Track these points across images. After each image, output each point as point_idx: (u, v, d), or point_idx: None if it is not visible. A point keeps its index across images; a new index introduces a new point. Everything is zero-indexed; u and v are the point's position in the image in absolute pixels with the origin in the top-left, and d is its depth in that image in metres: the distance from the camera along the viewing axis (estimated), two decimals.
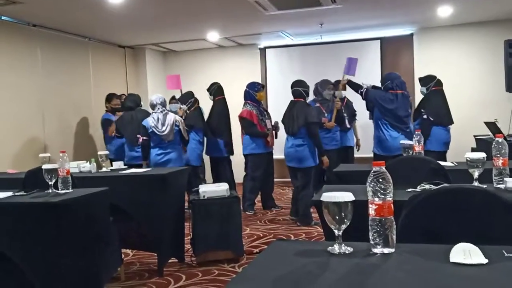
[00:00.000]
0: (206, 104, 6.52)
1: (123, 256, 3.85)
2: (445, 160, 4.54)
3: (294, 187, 5.62)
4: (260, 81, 8.07)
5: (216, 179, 6.24)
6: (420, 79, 5.85)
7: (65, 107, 6.80)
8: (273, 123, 6.14)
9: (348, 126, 6.30)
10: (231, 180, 6.16)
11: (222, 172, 6.27)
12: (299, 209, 5.39)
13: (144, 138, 5.10)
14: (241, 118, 5.97)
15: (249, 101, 6.00)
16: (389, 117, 5.14)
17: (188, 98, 6.18)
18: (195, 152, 5.98)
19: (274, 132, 6.16)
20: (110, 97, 6.57)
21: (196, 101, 6.25)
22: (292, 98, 5.48)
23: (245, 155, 6.08)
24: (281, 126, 5.74)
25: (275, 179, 6.55)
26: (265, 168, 6.04)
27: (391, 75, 5.38)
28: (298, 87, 5.42)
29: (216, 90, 6.35)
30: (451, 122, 5.61)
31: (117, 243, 3.44)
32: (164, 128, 5.05)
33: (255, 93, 6.00)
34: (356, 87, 5.63)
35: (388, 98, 5.13)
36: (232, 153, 6.37)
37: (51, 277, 2.57)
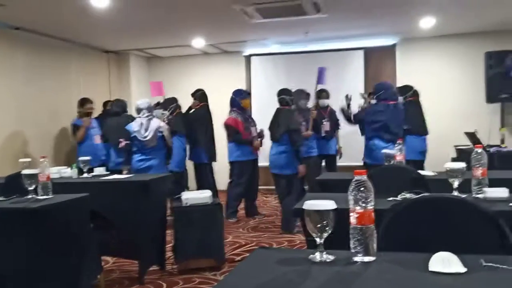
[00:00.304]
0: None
1: (103, 263, 3.81)
2: (422, 169, 4.57)
3: (278, 196, 5.60)
4: (245, 89, 8.10)
5: (198, 185, 6.23)
6: (397, 89, 5.92)
7: (46, 112, 6.69)
8: (258, 131, 6.15)
9: (324, 134, 6.35)
10: (213, 186, 6.15)
11: (204, 178, 6.26)
12: (282, 216, 5.39)
13: (127, 142, 5.07)
14: (226, 125, 5.97)
15: (234, 108, 6.00)
16: (378, 128, 5.06)
17: (170, 103, 6.17)
18: (177, 158, 5.95)
19: (259, 139, 6.17)
20: (83, 102, 6.38)
21: (178, 106, 6.24)
22: (277, 105, 5.51)
23: (230, 162, 6.07)
24: (267, 133, 5.76)
25: (259, 187, 6.55)
26: (250, 175, 6.04)
27: (385, 85, 5.21)
28: (284, 95, 5.47)
29: (200, 96, 6.35)
30: (427, 133, 5.71)
31: (96, 250, 3.40)
32: (146, 134, 5.02)
33: (240, 100, 6.01)
34: (347, 114, 5.67)
35: (377, 110, 4.99)
36: (215, 160, 6.36)
37: (30, 283, 2.53)
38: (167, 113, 6.01)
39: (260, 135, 6.14)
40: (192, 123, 6.27)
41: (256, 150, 6.06)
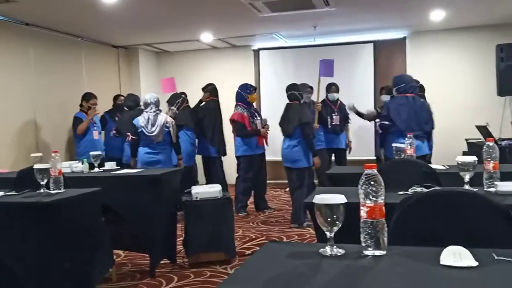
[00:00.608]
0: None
1: (114, 257, 3.84)
2: (429, 163, 4.50)
3: (290, 190, 5.60)
4: (253, 83, 8.09)
5: (208, 180, 6.24)
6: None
7: (57, 107, 6.75)
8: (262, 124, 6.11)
9: (330, 126, 6.32)
10: (222, 181, 6.16)
11: (213, 172, 6.28)
12: (292, 210, 5.41)
13: (133, 137, 5.10)
14: (232, 120, 5.97)
15: (240, 103, 5.99)
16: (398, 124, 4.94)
17: (176, 98, 6.17)
18: (184, 153, 5.95)
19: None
20: (88, 96, 6.38)
21: (185, 100, 6.23)
22: (287, 100, 5.50)
23: (237, 157, 6.07)
24: (272, 127, 5.74)
25: (268, 181, 6.55)
26: (258, 169, 6.04)
27: (405, 78, 5.01)
28: (294, 91, 5.45)
29: (210, 90, 6.35)
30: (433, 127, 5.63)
31: (108, 243, 3.43)
32: (153, 129, 5.04)
33: (247, 95, 6.00)
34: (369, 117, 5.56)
35: (399, 104, 4.79)
36: (224, 154, 6.37)
37: (42, 278, 2.56)
38: (174, 108, 6.02)
39: (264, 125, 6.10)
40: (201, 116, 6.28)
41: (263, 138, 6.03)
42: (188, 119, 6.10)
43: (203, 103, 6.43)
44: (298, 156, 5.26)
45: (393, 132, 4.84)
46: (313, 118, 5.93)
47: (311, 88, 6.25)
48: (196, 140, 6.33)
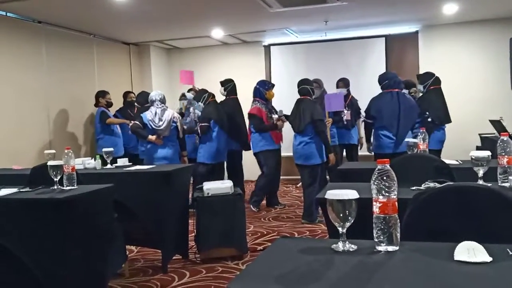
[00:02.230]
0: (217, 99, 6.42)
1: (127, 252, 3.86)
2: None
3: (303, 186, 5.58)
4: (264, 78, 8.07)
5: (229, 173, 6.26)
6: (418, 76, 5.82)
7: (69, 103, 6.82)
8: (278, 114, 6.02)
9: (345, 122, 6.28)
10: (240, 176, 6.22)
11: (236, 166, 6.31)
12: (304, 206, 5.39)
13: (136, 122, 5.12)
14: (251, 115, 5.92)
15: (257, 99, 5.94)
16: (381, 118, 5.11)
17: (202, 94, 6.13)
18: (213, 149, 5.88)
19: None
20: (103, 93, 6.70)
21: (210, 95, 6.10)
22: (297, 96, 5.46)
23: (255, 154, 5.99)
24: (288, 125, 5.70)
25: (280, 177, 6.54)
26: (277, 164, 6.01)
27: (388, 75, 5.35)
28: (306, 85, 5.39)
29: (231, 88, 6.32)
30: (449, 121, 5.60)
31: (121, 239, 3.45)
32: (161, 123, 5.09)
33: (265, 91, 5.94)
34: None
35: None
36: (247, 149, 6.36)
37: (56, 273, 2.58)
38: (201, 104, 6.01)
39: (280, 117, 5.99)
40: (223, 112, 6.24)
41: (279, 135, 5.96)
42: (213, 113, 5.90)
43: (224, 98, 6.37)
44: (310, 152, 5.21)
45: (377, 127, 5.11)
46: (325, 114, 5.88)
47: (318, 83, 6.12)
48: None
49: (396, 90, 5.12)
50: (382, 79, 5.26)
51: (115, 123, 6.63)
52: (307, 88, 5.37)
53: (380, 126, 5.10)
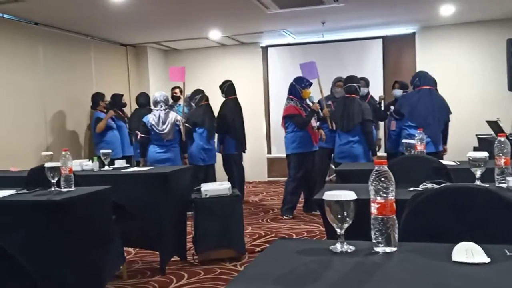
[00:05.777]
0: (215, 102, 6.40)
1: (125, 254, 3.86)
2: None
3: None
4: (261, 80, 8.09)
5: (229, 177, 6.21)
6: (412, 77, 5.80)
7: (67, 105, 6.81)
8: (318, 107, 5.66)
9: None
10: (242, 178, 6.16)
11: (233, 169, 6.23)
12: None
13: (143, 135, 5.11)
14: (289, 116, 5.53)
15: (292, 96, 5.60)
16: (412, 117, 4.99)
17: (195, 94, 6.12)
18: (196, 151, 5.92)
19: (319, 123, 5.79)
20: (102, 96, 6.66)
21: (204, 97, 6.07)
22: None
23: (287, 155, 5.69)
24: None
25: None
26: (310, 168, 5.62)
27: (419, 73, 5.28)
28: (353, 83, 5.20)
29: (227, 89, 6.29)
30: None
31: (119, 241, 3.44)
32: (164, 127, 5.07)
33: (301, 89, 5.55)
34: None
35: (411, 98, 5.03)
36: (244, 151, 6.34)
37: (54, 275, 2.58)
38: (193, 105, 6.01)
39: (322, 107, 5.64)
40: (222, 114, 6.19)
41: (319, 135, 5.65)
42: (200, 118, 5.89)
43: (223, 100, 6.34)
44: (360, 152, 5.06)
45: (406, 126, 4.98)
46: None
47: (341, 81, 5.93)
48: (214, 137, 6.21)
49: (428, 87, 4.94)
50: (413, 78, 5.12)
51: (103, 126, 6.35)
52: (355, 86, 5.19)
53: (409, 125, 4.93)
